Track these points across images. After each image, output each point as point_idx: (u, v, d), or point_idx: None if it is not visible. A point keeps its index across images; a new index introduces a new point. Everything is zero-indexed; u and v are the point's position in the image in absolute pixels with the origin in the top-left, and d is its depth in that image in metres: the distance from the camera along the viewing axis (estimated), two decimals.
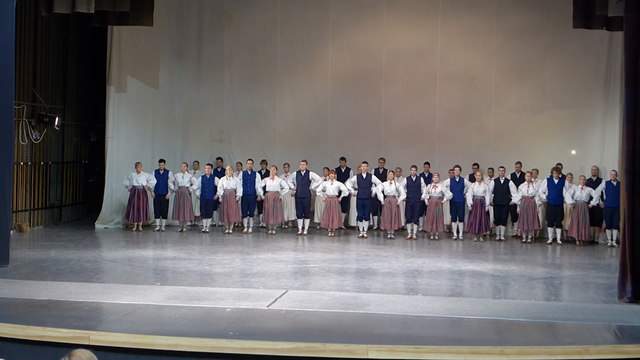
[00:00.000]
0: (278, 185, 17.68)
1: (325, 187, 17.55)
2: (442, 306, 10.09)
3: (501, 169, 17.48)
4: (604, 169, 17.59)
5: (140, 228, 17.92)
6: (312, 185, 17.94)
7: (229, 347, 7.72)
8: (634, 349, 7.81)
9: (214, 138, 19.73)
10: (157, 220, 18.14)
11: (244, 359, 7.65)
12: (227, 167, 18.03)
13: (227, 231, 17.64)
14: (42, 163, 18.52)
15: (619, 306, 10.29)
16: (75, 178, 20.31)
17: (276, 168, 18.02)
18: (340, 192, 17.60)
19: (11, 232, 13.21)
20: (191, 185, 18.06)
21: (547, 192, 16.96)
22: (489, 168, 17.92)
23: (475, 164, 18.02)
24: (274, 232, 17.67)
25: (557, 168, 17.24)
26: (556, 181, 17.00)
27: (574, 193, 16.55)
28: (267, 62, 19.52)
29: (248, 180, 17.90)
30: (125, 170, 18.24)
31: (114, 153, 18.79)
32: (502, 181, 17.31)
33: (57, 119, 17.96)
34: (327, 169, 18.16)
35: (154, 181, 17.95)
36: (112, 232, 17.82)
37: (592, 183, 16.98)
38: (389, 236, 17.22)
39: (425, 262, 14.06)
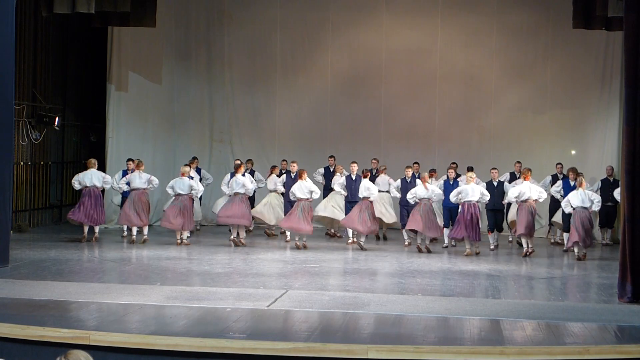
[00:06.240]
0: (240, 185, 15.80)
1: (293, 189, 15.58)
2: (442, 306, 10.08)
3: (494, 170, 16.06)
4: (602, 169, 17.56)
5: (96, 235, 15.90)
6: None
7: (229, 347, 7.72)
8: (634, 349, 7.82)
9: (214, 138, 19.74)
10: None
11: (244, 359, 7.66)
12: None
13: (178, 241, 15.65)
14: (42, 163, 18.51)
15: (619, 306, 10.29)
16: None
17: (244, 166, 16.36)
18: (311, 193, 15.49)
19: (11, 232, 13.20)
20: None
21: (562, 191, 15.56)
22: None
23: (453, 163, 16.92)
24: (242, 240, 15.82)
25: (560, 168, 16.53)
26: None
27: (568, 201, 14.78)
28: (266, 62, 19.53)
29: None
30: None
31: (114, 153, 18.78)
32: (495, 184, 15.95)
33: (57, 119, 17.96)
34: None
35: (108, 183, 16.07)
36: (112, 232, 17.78)
37: (610, 184, 15.99)
38: (362, 240, 15.59)
39: (425, 262, 14.05)
